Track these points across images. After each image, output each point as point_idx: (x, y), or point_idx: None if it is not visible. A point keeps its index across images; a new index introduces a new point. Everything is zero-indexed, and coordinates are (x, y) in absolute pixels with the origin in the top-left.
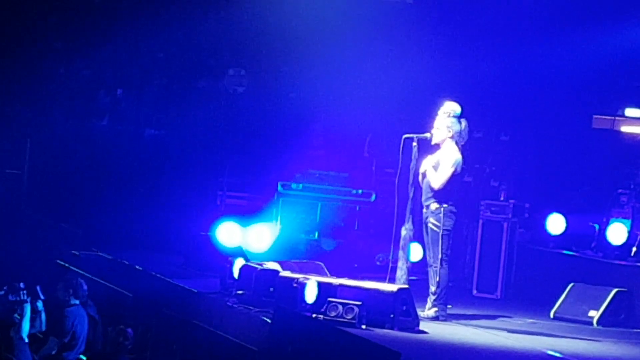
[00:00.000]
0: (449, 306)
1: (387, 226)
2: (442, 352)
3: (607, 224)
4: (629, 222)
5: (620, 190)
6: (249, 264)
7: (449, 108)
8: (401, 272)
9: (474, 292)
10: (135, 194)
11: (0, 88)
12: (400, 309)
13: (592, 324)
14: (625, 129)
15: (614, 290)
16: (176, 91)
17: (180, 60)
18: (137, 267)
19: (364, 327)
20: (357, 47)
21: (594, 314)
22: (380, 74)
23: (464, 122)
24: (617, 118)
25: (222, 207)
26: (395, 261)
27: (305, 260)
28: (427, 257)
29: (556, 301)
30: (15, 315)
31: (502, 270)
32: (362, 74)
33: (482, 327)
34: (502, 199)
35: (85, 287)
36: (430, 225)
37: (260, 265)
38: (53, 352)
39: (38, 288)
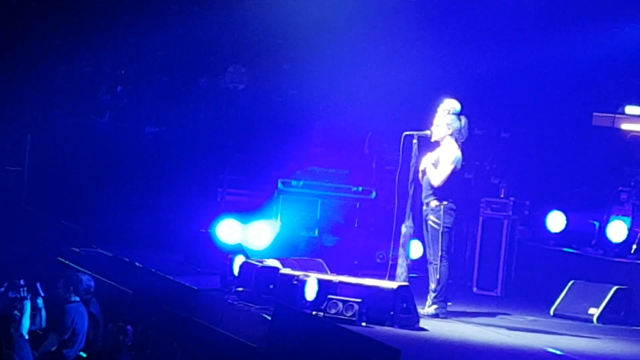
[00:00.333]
0: (449, 303)
1: (387, 223)
2: (442, 349)
3: (607, 221)
4: (629, 219)
5: (620, 188)
6: (249, 261)
7: (449, 105)
8: (401, 270)
9: (474, 289)
10: (136, 191)
11: (0, 85)
12: (400, 307)
13: (592, 321)
14: (625, 126)
15: (614, 288)
16: (177, 88)
17: (180, 57)
18: (137, 264)
19: (364, 324)
20: (357, 45)
21: (594, 312)
22: (380, 71)
23: (463, 120)
24: (617, 116)
25: (222, 204)
26: (396, 258)
27: (305, 258)
28: (427, 255)
29: (556, 298)
30: (16, 312)
31: (502, 267)
32: (362, 71)
33: (482, 325)
34: (502, 196)
35: (92, 285)
36: (430, 222)
37: (261, 262)
38: (53, 349)
39: (38, 285)
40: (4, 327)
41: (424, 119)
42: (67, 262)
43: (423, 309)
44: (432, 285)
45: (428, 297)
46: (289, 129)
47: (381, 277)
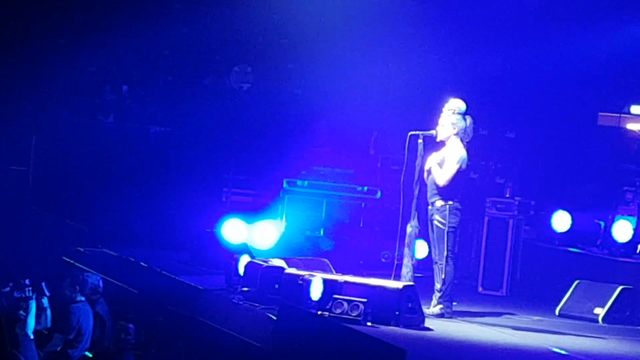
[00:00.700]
0: (455, 303)
1: (393, 223)
2: (448, 349)
3: (613, 221)
4: (634, 219)
5: (625, 188)
6: (254, 261)
7: (454, 105)
8: (406, 269)
9: (480, 289)
10: (141, 191)
11: (5, 85)
12: (406, 306)
13: (597, 321)
14: (630, 126)
15: (620, 288)
16: (182, 88)
17: (185, 57)
18: (142, 263)
19: (369, 324)
20: (362, 44)
21: (600, 312)
22: (385, 71)
23: (469, 119)
24: (622, 115)
25: (228, 204)
26: (401, 258)
27: (310, 258)
28: (433, 254)
29: (561, 298)
30: (21, 311)
31: (508, 267)
32: (367, 71)
33: (488, 324)
34: (507, 196)
35: (101, 285)
36: (435, 222)
37: (266, 262)
38: (58, 349)
39: (43, 284)
40: (9, 326)
41: (429, 118)
42: (72, 261)
43: (428, 308)
44: (438, 285)
45: (433, 297)
46: (294, 128)
47: (386, 276)
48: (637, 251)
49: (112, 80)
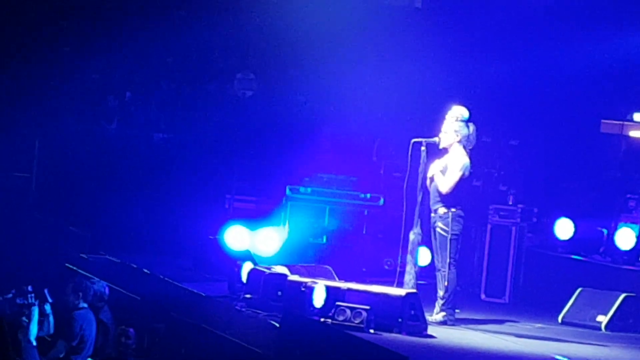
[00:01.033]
0: (457, 310)
1: (396, 230)
2: (450, 356)
3: (616, 228)
4: (637, 227)
5: (628, 195)
6: (257, 267)
7: (457, 112)
8: (409, 277)
9: (482, 296)
10: (144, 198)
11: (9, 91)
12: (409, 313)
13: (600, 329)
14: (633, 133)
15: (623, 295)
16: (185, 95)
17: (189, 64)
18: (145, 270)
19: (372, 331)
20: (365, 52)
21: (602, 319)
22: (388, 78)
23: (472, 126)
24: (625, 123)
25: (231, 211)
26: (404, 265)
27: (313, 264)
28: (435, 262)
29: (564, 306)
30: (23, 318)
31: (510, 274)
32: (370, 78)
33: (490, 332)
34: (510, 203)
35: (106, 292)
36: (438, 229)
37: (269, 269)
38: (61, 355)
39: (46, 291)
40: (12, 333)
41: (432, 125)
42: (75, 268)
43: (431, 316)
44: (440, 293)
45: (436, 304)
46: (297, 135)
47: (389, 284)
48: None
49: (115, 86)
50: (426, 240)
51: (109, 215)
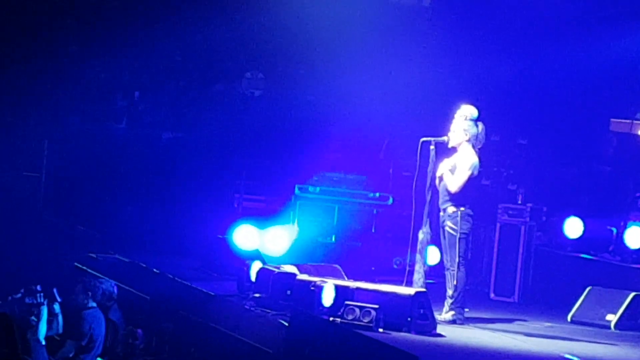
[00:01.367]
0: (466, 309)
1: (405, 229)
2: (459, 355)
3: (625, 227)
4: None
5: (638, 194)
6: (266, 267)
7: (466, 111)
8: (418, 276)
9: (491, 295)
10: (153, 197)
11: (17, 91)
12: (418, 312)
13: (609, 327)
14: None
15: (632, 294)
16: (193, 94)
17: (197, 63)
18: (154, 269)
19: (381, 330)
20: (373, 50)
21: (612, 318)
22: (397, 77)
23: (480, 125)
24: (634, 122)
25: (239, 210)
26: (413, 264)
27: (322, 264)
28: (444, 261)
29: (573, 305)
30: (32, 317)
31: (520, 273)
32: (379, 77)
33: (499, 331)
34: (519, 202)
35: (115, 291)
36: (447, 228)
37: (278, 268)
38: (70, 355)
39: (55, 291)
40: (21, 332)
41: (441, 125)
42: (84, 267)
43: (440, 315)
44: (449, 292)
45: (445, 303)
46: (305, 134)
47: (398, 283)
48: None
49: (123, 86)
50: (435, 240)
51: (118, 214)
